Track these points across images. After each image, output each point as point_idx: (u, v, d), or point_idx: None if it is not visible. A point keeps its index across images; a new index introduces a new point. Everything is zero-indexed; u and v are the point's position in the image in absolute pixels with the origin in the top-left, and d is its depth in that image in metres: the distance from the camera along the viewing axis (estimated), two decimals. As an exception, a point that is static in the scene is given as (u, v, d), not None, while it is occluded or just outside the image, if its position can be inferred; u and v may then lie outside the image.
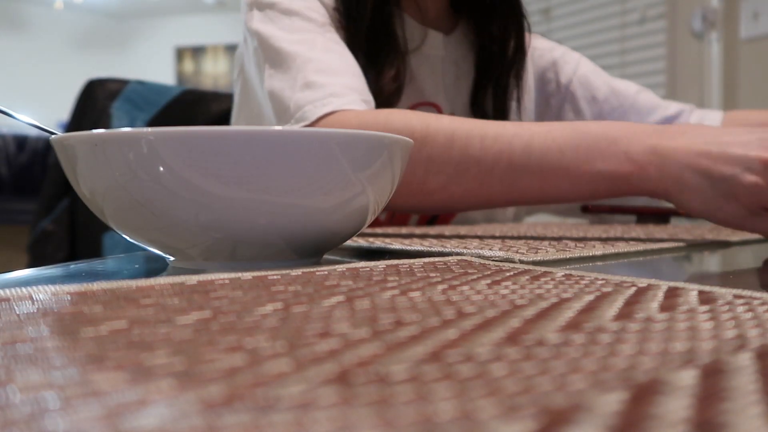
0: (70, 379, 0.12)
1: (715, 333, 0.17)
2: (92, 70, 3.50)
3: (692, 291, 0.23)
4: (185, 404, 0.11)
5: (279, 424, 0.10)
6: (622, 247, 0.41)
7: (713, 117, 0.80)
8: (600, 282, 0.25)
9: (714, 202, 0.44)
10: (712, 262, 0.43)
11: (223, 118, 0.95)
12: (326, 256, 0.37)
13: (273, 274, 0.26)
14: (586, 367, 0.13)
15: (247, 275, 0.25)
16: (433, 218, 0.78)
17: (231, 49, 5.42)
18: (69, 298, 0.20)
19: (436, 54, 0.77)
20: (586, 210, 0.80)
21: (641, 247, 0.42)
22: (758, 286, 0.31)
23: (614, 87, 0.83)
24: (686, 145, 0.45)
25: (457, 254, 0.36)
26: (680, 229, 0.65)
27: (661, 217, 0.77)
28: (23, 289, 0.21)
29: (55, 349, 0.14)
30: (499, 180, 0.50)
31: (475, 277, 0.27)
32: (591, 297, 0.22)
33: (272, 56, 0.62)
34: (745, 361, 0.14)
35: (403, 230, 0.57)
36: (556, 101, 0.85)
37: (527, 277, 0.27)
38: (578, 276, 0.27)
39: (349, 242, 0.41)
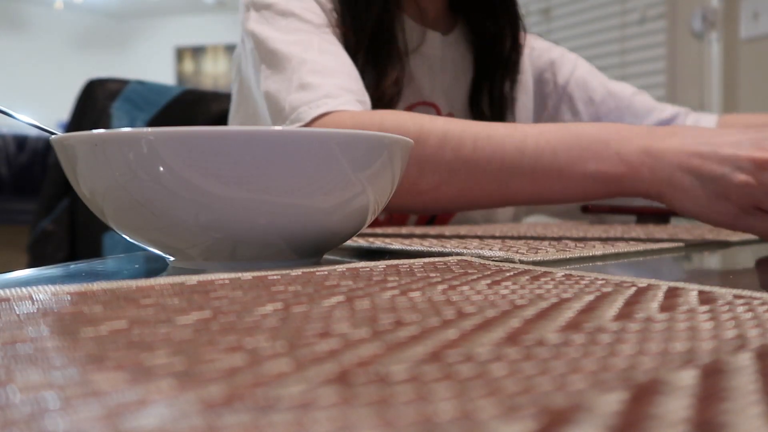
0: (70, 379, 0.12)
1: (715, 333, 0.17)
2: (92, 70, 3.50)
3: (692, 291, 0.23)
4: (185, 404, 0.11)
5: (279, 424, 0.10)
6: (622, 247, 0.41)
7: (708, 120, 0.81)
8: (600, 282, 0.25)
9: (706, 202, 0.45)
10: (712, 262, 0.43)
11: (223, 118, 0.95)
12: (326, 256, 0.37)
13: (273, 274, 0.26)
14: (586, 367, 0.13)
15: (247, 275, 0.25)
16: (431, 218, 0.78)
17: (231, 49, 5.42)
18: (69, 298, 0.20)
19: (435, 54, 0.77)
20: (586, 210, 0.80)
21: (641, 247, 0.42)
22: (758, 286, 0.31)
23: (611, 89, 0.84)
24: (678, 145, 0.46)
25: (457, 254, 0.36)
26: (680, 229, 0.65)
27: (661, 217, 0.77)
28: (23, 289, 0.21)
29: (55, 349, 0.14)
30: (492, 180, 0.51)
31: (475, 277, 0.27)
32: (591, 297, 0.22)
33: (268, 57, 0.62)
34: (745, 361, 0.14)
35: (403, 230, 0.57)
36: (553, 101, 0.86)
37: (527, 277, 0.27)
38: (578, 276, 0.27)
39: (349, 242, 0.41)
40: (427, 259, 0.32)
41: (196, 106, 0.96)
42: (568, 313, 0.19)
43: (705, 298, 0.22)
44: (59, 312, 0.18)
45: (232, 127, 0.28)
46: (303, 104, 0.56)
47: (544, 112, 0.86)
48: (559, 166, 0.49)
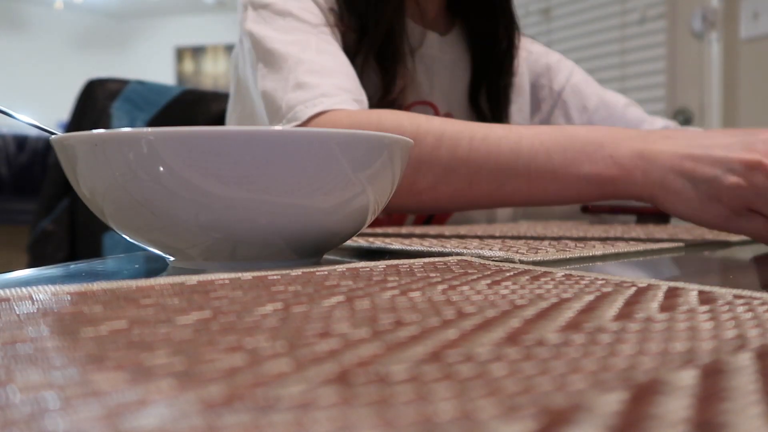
0: (70, 379, 0.12)
1: (715, 333, 0.17)
2: (92, 70, 3.50)
3: (692, 291, 0.23)
4: (185, 404, 0.11)
5: (279, 424, 0.10)
6: (622, 247, 0.41)
7: None
8: (600, 282, 0.25)
9: (698, 204, 0.45)
10: (712, 262, 0.43)
11: (223, 118, 0.95)
12: (326, 256, 0.37)
13: (273, 274, 0.26)
14: (586, 367, 0.13)
15: (247, 275, 0.25)
16: (428, 218, 0.79)
17: (231, 49, 5.40)
18: (69, 298, 0.20)
19: (433, 54, 0.78)
20: (586, 210, 0.80)
21: (641, 247, 0.42)
22: (758, 286, 0.31)
23: (604, 99, 0.85)
24: (670, 148, 0.46)
25: (457, 254, 0.36)
26: (680, 229, 0.65)
27: (661, 217, 0.77)
28: (23, 289, 0.21)
29: (55, 349, 0.14)
30: (487, 181, 0.51)
31: (475, 277, 0.27)
32: (591, 297, 0.22)
33: (265, 57, 0.62)
34: (745, 361, 0.14)
35: (403, 230, 0.57)
36: (547, 106, 0.87)
37: (527, 277, 0.27)
38: (578, 276, 0.27)
39: (349, 242, 0.41)
40: (427, 259, 0.32)
41: (196, 106, 0.96)
42: (568, 313, 0.19)
43: (705, 298, 0.22)
44: (59, 312, 0.18)
45: (232, 127, 0.28)
46: (299, 103, 0.56)
47: (537, 115, 0.87)
48: (553, 167, 0.49)
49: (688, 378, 0.13)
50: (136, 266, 0.36)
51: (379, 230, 0.58)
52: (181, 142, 0.27)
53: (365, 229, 0.55)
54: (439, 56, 0.78)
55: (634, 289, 0.24)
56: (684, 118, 2.17)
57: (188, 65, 5.72)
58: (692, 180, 0.45)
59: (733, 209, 0.44)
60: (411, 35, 0.74)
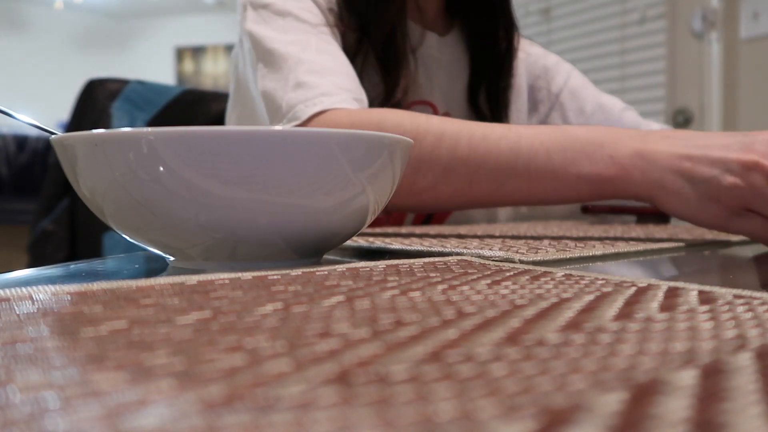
0: (70, 379, 0.12)
1: (715, 333, 0.17)
2: (92, 70, 3.50)
3: (692, 291, 0.23)
4: (185, 404, 0.11)
5: (279, 424, 0.10)
6: (622, 247, 0.41)
7: None
8: (600, 282, 0.25)
9: (696, 204, 0.45)
10: (712, 262, 0.43)
11: (223, 118, 0.95)
12: (326, 256, 0.37)
13: (273, 274, 0.26)
14: (586, 367, 0.13)
15: (247, 275, 0.25)
16: (427, 218, 0.79)
17: (231, 49, 5.39)
18: (69, 298, 0.20)
19: (432, 54, 0.78)
20: (586, 210, 0.80)
21: (641, 247, 0.42)
22: (758, 286, 0.31)
23: (601, 103, 0.86)
24: (669, 148, 0.46)
25: (457, 254, 0.36)
26: (680, 229, 0.65)
27: (661, 217, 0.77)
28: (23, 289, 0.21)
29: (55, 349, 0.14)
30: (487, 180, 0.51)
31: (475, 277, 0.27)
32: (591, 297, 0.22)
33: (265, 57, 0.62)
34: (745, 361, 0.14)
35: (403, 230, 0.57)
36: (545, 108, 0.87)
37: (527, 277, 0.27)
38: (578, 276, 0.27)
39: (349, 242, 0.41)
40: (427, 259, 0.32)
41: (196, 106, 0.96)
42: (568, 313, 0.19)
43: (705, 298, 0.22)
44: (59, 312, 0.18)
45: (232, 127, 0.28)
46: (299, 102, 0.56)
47: (534, 117, 0.88)
48: (552, 167, 0.49)
49: (688, 378, 0.13)
50: (136, 266, 0.36)
51: (378, 230, 0.58)
52: (181, 142, 0.27)
53: (365, 229, 0.55)
54: (438, 56, 0.79)
55: (634, 289, 0.24)
56: (684, 118, 2.17)
57: (188, 65, 5.72)
58: (691, 180, 0.45)
59: (731, 209, 0.44)
60: (411, 35, 0.75)
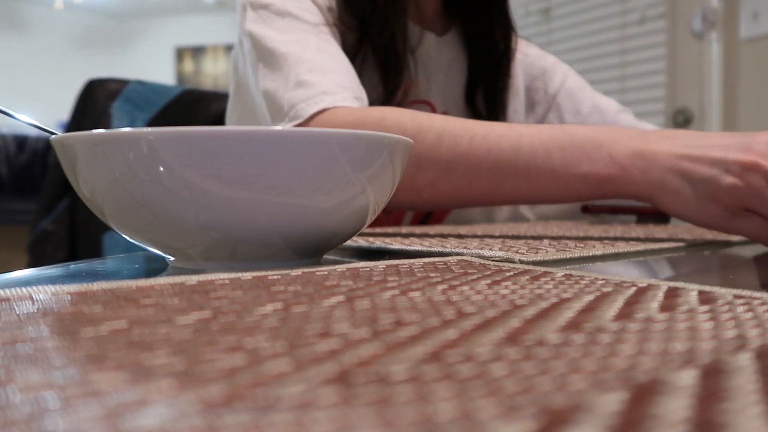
0: (70, 379, 0.12)
1: (715, 333, 0.17)
2: (92, 70, 3.50)
3: (692, 291, 0.23)
4: (185, 404, 0.11)
5: (279, 424, 0.10)
6: (622, 247, 0.41)
7: None
8: (600, 282, 0.25)
9: (696, 204, 0.46)
10: (712, 262, 0.43)
11: (223, 118, 0.95)
12: (326, 256, 0.37)
13: (273, 274, 0.26)
14: (586, 367, 0.13)
15: (247, 275, 0.25)
16: (426, 216, 0.79)
17: (231, 49, 5.38)
18: (69, 298, 0.20)
19: (431, 54, 0.79)
20: (586, 210, 0.80)
21: (641, 247, 0.42)
22: (758, 286, 0.31)
23: (598, 104, 0.86)
24: (669, 148, 0.47)
25: (457, 254, 0.36)
26: (680, 229, 0.65)
27: (661, 217, 0.77)
28: (23, 289, 0.21)
29: (55, 349, 0.14)
30: (487, 179, 0.51)
31: (475, 277, 0.27)
32: (591, 297, 0.22)
33: (266, 57, 0.63)
34: (745, 361, 0.14)
35: (403, 230, 0.57)
36: (542, 109, 0.88)
37: (527, 277, 0.27)
38: (578, 276, 0.27)
39: (349, 242, 0.41)
40: (427, 259, 0.32)
41: (196, 106, 0.96)
42: (568, 313, 0.19)
43: (705, 298, 0.22)
44: (59, 312, 0.18)
45: (232, 127, 0.28)
46: (301, 101, 0.57)
47: (531, 117, 0.88)
48: (552, 166, 0.50)
49: (688, 378, 0.13)
50: (136, 266, 0.36)
51: (378, 230, 0.58)
52: (181, 142, 0.27)
53: (365, 229, 0.55)
54: (436, 56, 0.79)
55: (634, 289, 0.24)
56: (684, 118, 2.17)
57: (188, 65, 5.72)
58: (690, 180, 0.45)
59: (730, 209, 0.45)
60: (410, 35, 0.75)
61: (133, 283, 0.23)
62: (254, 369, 0.13)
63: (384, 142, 0.31)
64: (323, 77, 0.58)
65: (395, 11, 0.69)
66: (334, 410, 0.11)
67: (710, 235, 0.54)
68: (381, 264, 0.30)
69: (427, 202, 0.55)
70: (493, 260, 0.34)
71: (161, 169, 0.28)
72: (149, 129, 0.28)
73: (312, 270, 0.27)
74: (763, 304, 0.21)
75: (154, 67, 5.62)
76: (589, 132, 0.50)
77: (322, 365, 0.13)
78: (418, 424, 0.10)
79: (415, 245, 0.40)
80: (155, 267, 0.34)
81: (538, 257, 0.35)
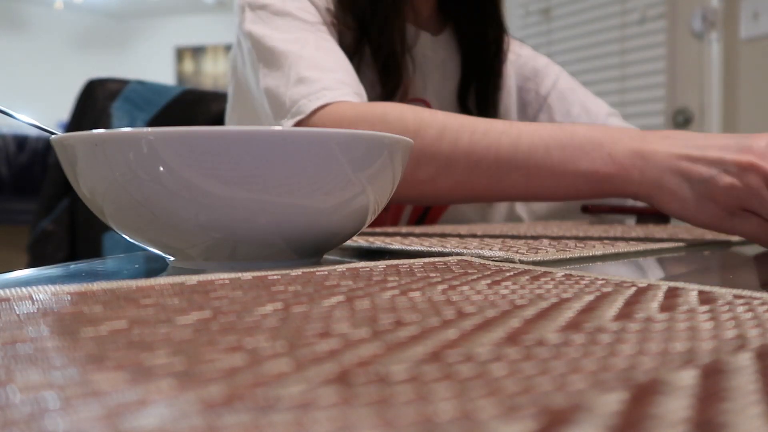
0: (70, 379, 0.12)
1: (715, 333, 0.17)
2: (92, 70, 3.50)
3: (692, 291, 0.23)
4: (185, 404, 0.11)
5: (279, 424, 0.10)
6: (622, 247, 0.41)
7: None
8: (600, 282, 0.25)
9: (693, 204, 0.46)
10: (712, 262, 0.43)
11: (224, 118, 0.95)
12: (326, 256, 0.37)
13: (273, 274, 0.26)
14: (586, 367, 0.13)
15: (247, 275, 0.25)
16: (424, 213, 0.80)
17: (231, 49, 5.41)
18: (69, 298, 0.20)
19: (426, 54, 0.80)
20: (586, 210, 0.80)
21: (641, 247, 0.42)
22: (758, 286, 0.31)
23: (587, 106, 0.87)
24: (668, 148, 0.47)
25: (457, 254, 0.36)
26: (680, 229, 0.65)
27: (661, 217, 0.77)
28: (23, 289, 0.21)
29: (55, 349, 0.14)
30: (486, 174, 0.52)
31: (475, 277, 0.27)
32: (591, 297, 0.22)
33: (266, 55, 0.63)
34: (745, 361, 0.14)
35: (403, 230, 0.57)
36: (533, 110, 0.89)
37: (527, 277, 0.27)
38: (578, 276, 0.27)
39: (349, 242, 0.41)
40: (427, 259, 0.32)
41: (196, 106, 0.96)
42: (568, 313, 0.19)
43: (705, 298, 0.22)
44: (59, 312, 0.18)
45: (232, 127, 0.28)
46: (302, 97, 0.57)
47: (523, 118, 0.89)
48: (551, 163, 0.50)
49: (688, 378, 0.13)
50: (136, 266, 0.36)
51: (378, 230, 0.58)
52: (181, 142, 0.27)
53: (365, 229, 0.55)
54: (431, 56, 0.80)
55: (634, 289, 0.24)
56: (684, 118, 2.17)
57: (188, 65, 5.72)
58: (689, 180, 0.46)
59: (728, 210, 0.45)
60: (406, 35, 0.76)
61: (133, 283, 0.23)
62: (254, 369, 0.13)
63: (384, 142, 0.31)
64: (324, 74, 0.59)
65: (394, 12, 0.70)
66: (334, 410, 0.11)
67: (710, 235, 0.54)
68: (381, 264, 0.30)
69: (426, 196, 0.56)
70: (493, 260, 0.34)
71: (161, 169, 0.28)
72: (149, 129, 0.28)
73: (312, 270, 0.27)
74: (763, 304, 0.21)
75: (154, 67, 5.61)
76: (589, 131, 0.51)
77: (322, 365, 0.13)
78: (418, 424, 0.10)
79: (415, 245, 0.40)
80: (155, 267, 0.34)
81: (538, 257, 0.35)
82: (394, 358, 0.14)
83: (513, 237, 0.49)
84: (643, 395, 0.12)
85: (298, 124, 0.57)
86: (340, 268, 0.28)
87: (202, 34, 5.58)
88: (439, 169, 0.53)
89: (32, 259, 0.90)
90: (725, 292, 0.23)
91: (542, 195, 0.53)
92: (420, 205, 0.78)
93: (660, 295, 0.23)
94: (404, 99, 0.73)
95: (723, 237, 0.52)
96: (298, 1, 0.67)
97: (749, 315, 0.19)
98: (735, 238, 0.51)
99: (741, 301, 0.22)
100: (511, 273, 0.28)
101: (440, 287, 0.24)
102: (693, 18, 2.12)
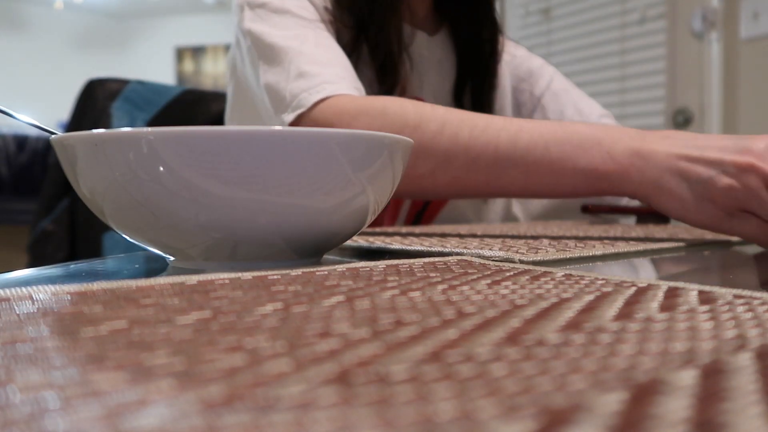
0: (70, 379, 0.12)
1: (715, 333, 0.17)
2: (92, 70, 3.50)
3: (692, 291, 0.23)
4: (185, 404, 0.11)
5: (279, 424, 0.10)
6: (622, 247, 0.41)
7: None
8: (600, 282, 0.25)
9: (692, 204, 0.46)
10: (712, 262, 0.43)
11: (224, 118, 0.95)
12: (326, 256, 0.37)
13: (273, 274, 0.26)
14: (586, 367, 0.13)
15: (247, 275, 0.25)
16: (422, 209, 0.80)
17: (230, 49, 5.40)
18: (69, 298, 0.20)
19: (422, 53, 0.81)
20: (586, 210, 0.80)
21: (641, 247, 0.42)
22: (758, 286, 0.31)
23: (580, 108, 0.88)
24: (667, 148, 0.47)
25: (457, 254, 0.36)
26: (680, 229, 0.65)
27: (661, 217, 0.77)
28: (23, 289, 0.21)
29: (55, 349, 0.14)
30: (485, 170, 0.52)
31: (475, 277, 0.27)
32: (591, 297, 0.22)
33: (266, 52, 0.64)
34: (745, 361, 0.14)
35: (403, 230, 0.57)
36: (527, 110, 0.90)
37: (527, 277, 0.27)
38: (578, 276, 0.27)
39: (349, 242, 0.41)
40: (427, 259, 0.32)
41: (196, 106, 0.96)
42: (568, 313, 0.19)
43: (705, 298, 0.22)
44: (59, 312, 0.18)
45: (232, 127, 0.28)
46: (303, 91, 0.58)
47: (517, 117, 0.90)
48: (550, 160, 0.50)
49: (688, 378, 0.13)
50: (136, 266, 0.36)
51: (378, 230, 0.58)
52: (181, 142, 0.27)
53: (365, 229, 0.55)
54: (428, 55, 0.81)
55: (634, 289, 0.24)
56: (684, 118, 2.17)
57: (188, 65, 5.71)
58: (687, 180, 0.46)
59: (726, 210, 0.45)
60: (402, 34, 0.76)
61: (133, 283, 0.23)
62: (254, 369, 0.13)
63: (384, 142, 0.31)
64: (324, 68, 0.60)
65: (391, 11, 0.70)
66: (334, 410, 0.11)
67: (710, 235, 0.54)
68: (381, 264, 0.30)
69: (425, 190, 0.56)
70: (493, 260, 0.34)
71: (161, 169, 0.28)
72: (149, 129, 0.28)
73: (312, 270, 0.27)
74: (763, 304, 0.21)
75: (154, 67, 5.61)
76: (588, 129, 0.51)
77: (322, 365, 0.13)
78: (418, 424, 0.10)
79: (415, 245, 0.40)
80: (155, 267, 0.34)
81: (538, 257, 0.35)
82: (394, 358, 0.14)
83: (513, 237, 0.49)
84: (643, 395, 0.12)
85: (299, 117, 0.58)
86: (340, 268, 0.28)
87: (202, 34, 5.58)
88: (438, 163, 0.53)
89: (32, 259, 0.90)
90: (725, 292, 0.23)
91: (540, 192, 0.53)
92: (418, 199, 0.79)
93: (660, 295, 0.23)
94: (402, 96, 0.73)
95: (723, 237, 0.52)
96: None
97: (749, 315, 0.19)
98: (735, 238, 0.51)
99: (741, 301, 0.22)
100: (511, 273, 0.28)
101: (440, 287, 0.24)
102: (693, 18, 2.12)
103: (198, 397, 0.11)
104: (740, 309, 0.20)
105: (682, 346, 0.15)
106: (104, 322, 0.17)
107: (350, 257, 0.39)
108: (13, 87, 5.25)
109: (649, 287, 0.24)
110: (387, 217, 0.79)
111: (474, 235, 0.50)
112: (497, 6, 0.84)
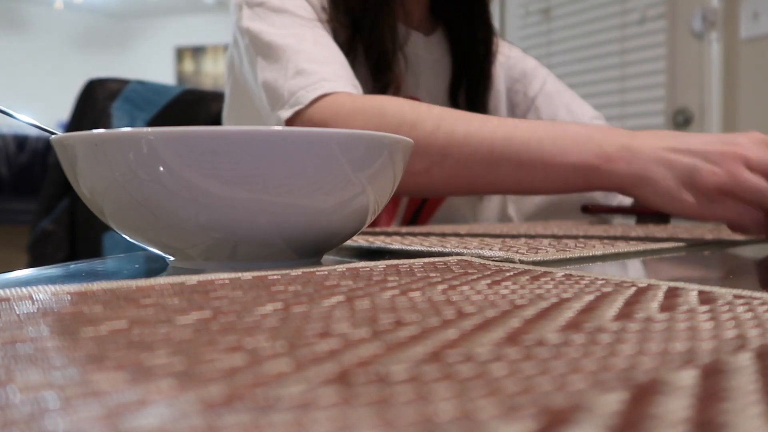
0: (70, 379, 0.12)
1: (715, 333, 0.17)
2: (92, 70, 3.50)
3: (692, 291, 0.23)
4: (185, 404, 0.11)
5: (279, 424, 0.10)
6: (622, 247, 0.41)
7: None
8: (600, 282, 0.25)
9: (675, 193, 0.47)
10: (712, 262, 0.43)
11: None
12: (326, 256, 0.37)
13: (273, 274, 0.26)
14: (586, 367, 0.13)
15: (247, 275, 0.25)
16: (419, 207, 0.81)
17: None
18: (69, 298, 0.20)
19: (418, 54, 0.81)
20: (586, 210, 0.80)
21: (641, 247, 0.42)
22: (758, 286, 0.31)
23: (572, 109, 0.89)
24: (654, 143, 0.49)
25: (457, 254, 0.36)
26: (680, 229, 0.65)
27: (661, 217, 0.77)
28: (23, 289, 0.21)
29: (55, 349, 0.14)
30: (480, 166, 0.54)
31: (475, 277, 0.27)
32: (591, 297, 0.22)
33: (264, 50, 0.64)
34: (745, 361, 0.14)
35: (403, 230, 0.57)
36: (521, 110, 0.91)
37: (527, 277, 0.27)
38: (578, 276, 0.27)
39: (349, 242, 0.41)
40: (427, 259, 0.32)
41: (196, 106, 0.96)
42: (568, 313, 0.19)
43: (705, 298, 0.22)
44: (59, 312, 0.18)
45: (232, 127, 0.28)
46: (301, 88, 0.59)
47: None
48: (542, 156, 0.52)
49: (688, 378, 0.13)
50: (136, 266, 0.36)
51: (378, 230, 0.58)
52: (181, 142, 0.27)
53: (365, 229, 0.55)
54: (424, 55, 0.82)
55: (634, 289, 0.24)
56: (684, 118, 2.17)
57: (188, 65, 5.71)
58: (672, 169, 0.47)
59: (709, 196, 0.46)
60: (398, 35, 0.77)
61: (133, 283, 0.23)
62: (254, 369, 0.13)
63: (384, 142, 0.31)
64: (321, 66, 0.60)
65: (384, 10, 0.71)
66: (334, 410, 0.11)
67: (710, 235, 0.54)
68: (381, 264, 0.30)
69: (421, 187, 0.57)
70: (493, 260, 0.34)
71: (161, 169, 0.28)
72: (149, 129, 0.28)
73: (312, 270, 0.27)
74: (763, 304, 0.21)
75: (154, 67, 5.61)
76: (581, 128, 0.53)
77: (322, 365, 0.13)
78: (418, 424, 0.10)
79: (415, 245, 0.40)
80: (155, 267, 0.34)
81: (538, 257, 0.35)
82: (394, 358, 0.14)
83: (513, 237, 0.49)
84: (643, 395, 0.12)
85: (297, 114, 0.58)
86: (340, 268, 0.28)
87: (202, 34, 5.58)
88: (434, 159, 0.54)
89: (32, 259, 0.90)
90: (725, 292, 0.23)
91: (533, 187, 0.54)
92: (415, 196, 0.80)
93: (660, 295, 0.23)
94: (397, 96, 0.74)
95: (723, 237, 0.52)
96: None
97: (749, 315, 0.19)
98: (735, 238, 0.51)
99: (741, 301, 0.22)
100: (511, 273, 0.28)
101: (440, 287, 0.24)
102: (693, 18, 2.12)
103: (198, 397, 0.11)
104: (740, 309, 0.20)
105: (682, 346, 0.15)
106: (104, 322, 0.17)
107: (350, 257, 0.39)
108: (13, 87, 5.25)
109: (649, 287, 0.24)
110: (385, 215, 0.79)
111: (474, 235, 0.50)
112: (497, 6, 0.85)
